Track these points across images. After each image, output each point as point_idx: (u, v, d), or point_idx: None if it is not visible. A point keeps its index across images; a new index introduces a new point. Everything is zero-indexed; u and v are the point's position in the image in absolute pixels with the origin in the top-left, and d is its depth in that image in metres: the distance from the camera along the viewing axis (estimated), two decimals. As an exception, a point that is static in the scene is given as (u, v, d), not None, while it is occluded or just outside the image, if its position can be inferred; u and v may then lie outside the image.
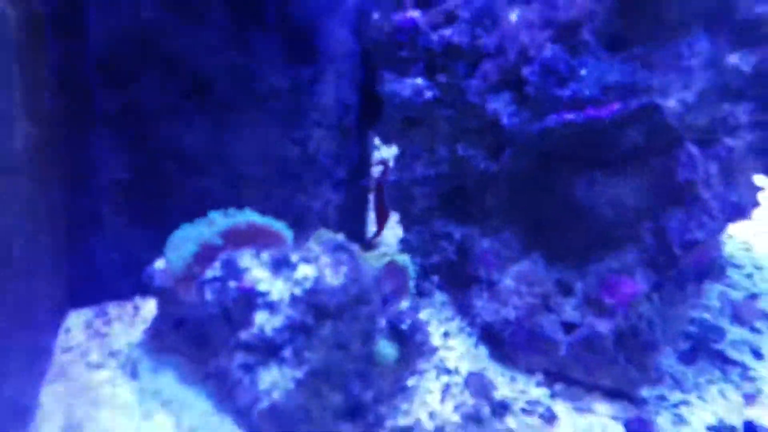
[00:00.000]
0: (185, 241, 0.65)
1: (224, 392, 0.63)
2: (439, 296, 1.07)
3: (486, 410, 0.75)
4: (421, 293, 1.06)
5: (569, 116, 0.82)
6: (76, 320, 0.92)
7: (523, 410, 0.82)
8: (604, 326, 0.90)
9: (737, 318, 1.26)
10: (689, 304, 1.12)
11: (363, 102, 1.12)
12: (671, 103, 0.83)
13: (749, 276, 1.44)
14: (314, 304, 0.61)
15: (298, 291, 0.61)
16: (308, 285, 0.61)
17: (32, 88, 0.78)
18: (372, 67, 1.08)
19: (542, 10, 0.90)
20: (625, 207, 0.90)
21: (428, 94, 1.00)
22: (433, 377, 0.87)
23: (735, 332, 1.21)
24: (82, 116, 0.92)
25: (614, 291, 0.91)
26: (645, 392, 1.00)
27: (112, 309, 0.95)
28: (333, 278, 0.62)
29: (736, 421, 0.95)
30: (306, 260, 0.64)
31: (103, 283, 0.96)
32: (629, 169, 0.87)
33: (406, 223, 1.12)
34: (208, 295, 0.63)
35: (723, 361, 1.11)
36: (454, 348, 0.95)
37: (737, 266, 1.48)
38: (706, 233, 0.87)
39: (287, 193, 1.08)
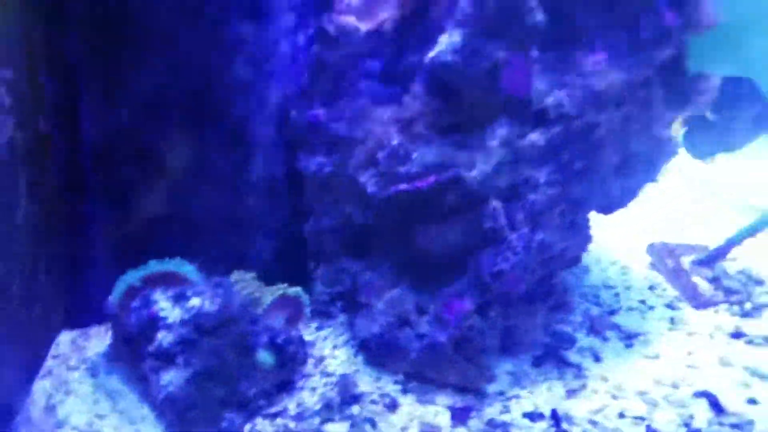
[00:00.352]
0: (121, 282, 0.99)
1: (145, 387, 0.95)
2: (341, 318, 1.38)
3: (337, 399, 1.06)
4: (328, 315, 1.38)
5: (404, 186, 1.15)
6: (65, 337, 1.27)
7: (372, 401, 1.12)
8: (443, 336, 1.20)
9: (592, 329, 1.55)
10: (542, 318, 1.43)
11: (287, 174, 1.46)
12: (474, 174, 1.15)
13: (617, 295, 1.72)
14: (196, 324, 0.93)
15: (186, 316, 0.93)
16: (194, 311, 0.93)
17: (35, 184, 1.13)
18: (292, 149, 1.43)
19: (393, 110, 1.24)
20: (454, 248, 1.21)
21: (327, 168, 1.34)
22: (317, 379, 1.19)
23: (585, 341, 1.50)
24: (77, 194, 1.28)
25: (450, 309, 1.21)
26: (490, 389, 1.29)
27: (93, 330, 1.29)
28: (210, 306, 0.94)
29: (548, 410, 1.23)
30: (196, 294, 0.97)
31: (87, 311, 1.31)
32: (453, 220, 1.19)
33: (321, 261, 1.44)
34: (133, 319, 0.97)
35: (565, 363, 1.40)
36: (339, 357, 1.26)
37: (610, 287, 1.77)
38: (511, 265, 1.17)
39: (232, 242, 1.42)
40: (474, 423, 1.13)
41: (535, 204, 1.23)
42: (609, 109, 1.23)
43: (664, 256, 1.82)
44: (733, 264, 1.90)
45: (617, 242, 2.02)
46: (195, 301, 0.96)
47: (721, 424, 1.23)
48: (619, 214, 1.61)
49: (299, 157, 1.40)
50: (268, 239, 1.47)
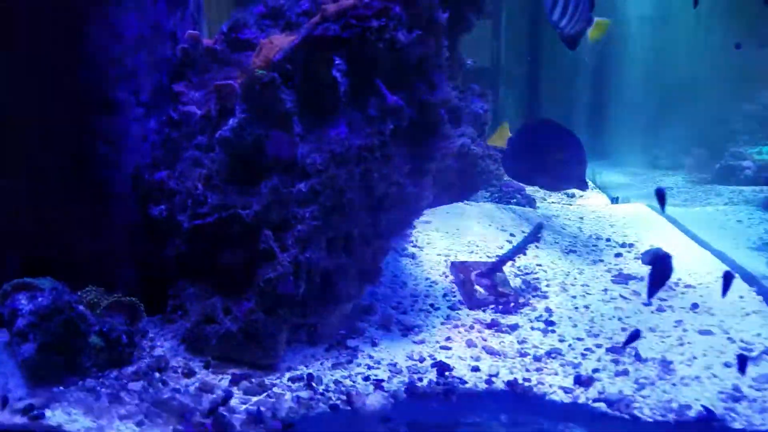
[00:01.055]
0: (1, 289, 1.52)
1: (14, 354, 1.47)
2: (180, 323, 1.87)
3: (146, 370, 1.55)
4: (171, 321, 1.87)
5: (198, 222, 1.68)
6: None
7: (174, 370, 1.61)
8: (234, 327, 1.69)
9: (382, 325, 2.03)
10: (338, 319, 1.92)
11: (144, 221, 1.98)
12: (247, 212, 1.67)
13: (416, 301, 2.23)
14: (37, 313, 1.43)
15: (33, 308, 1.43)
16: (36, 304, 1.44)
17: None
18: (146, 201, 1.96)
19: (203, 170, 1.78)
20: (243, 265, 1.72)
21: (164, 213, 1.87)
22: (147, 360, 1.67)
23: (372, 332, 1.97)
24: None
25: (240, 309, 1.71)
26: (284, 366, 1.76)
27: None
28: (44, 301, 1.45)
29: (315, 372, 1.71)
30: (41, 295, 1.47)
31: None
32: (240, 245, 1.70)
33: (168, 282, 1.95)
34: (6, 313, 1.47)
35: (346, 348, 1.88)
36: (166, 346, 1.75)
37: (414, 296, 2.26)
38: (279, 275, 1.68)
39: (101, 272, 1.91)
40: (245, 384, 1.61)
41: (302, 232, 1.75)
42: (349, 165, 1.76)
43: (458, 270, 2.32)
44: (528, 277, 2.41)
45: (435, 263, 2.52)
46: (38, 299, 1.46)
47: (438, 383, 1.71)
48: (442, 241, 2.13)
49: (149, 206, 1.93)
50: (132, 269, 1.98)
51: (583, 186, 2.52)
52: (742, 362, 1.50)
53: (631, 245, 2.79)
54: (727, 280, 1.42)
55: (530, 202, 3.67)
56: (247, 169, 1.79)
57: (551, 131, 2.47)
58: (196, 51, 2.07)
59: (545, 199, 3.98)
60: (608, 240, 2.88)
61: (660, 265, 1.37)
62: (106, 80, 1.88)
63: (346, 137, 1.78)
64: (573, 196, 4.23)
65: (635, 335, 1.55)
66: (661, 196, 1.46)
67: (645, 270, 2.48)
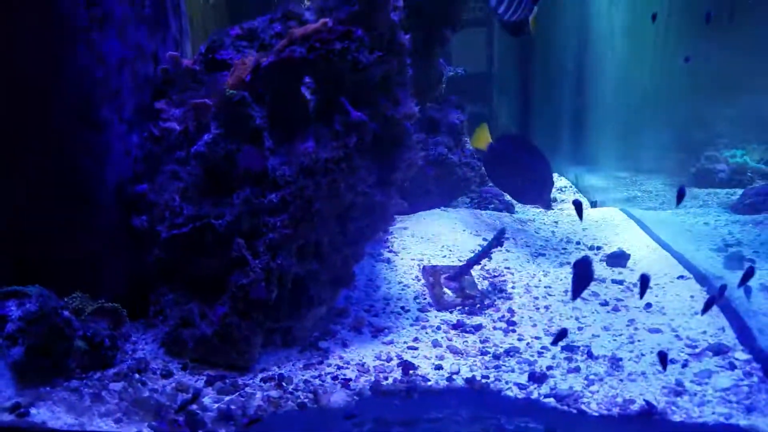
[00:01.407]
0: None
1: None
2: (162, 327, 1.98)
3: (127, 371, 1.66)
4: (153, 325, 1.99)
5: (175, 231, 1.79)
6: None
7: (153, 371, 1.72)
8: (209, 330, 1.81)
9: (353, 327, 2.14)
10: (312, 322, 2.03)
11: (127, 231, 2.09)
12: (220, 221, 1.79)
13: (388, 304, 2.33)
14: (25, 318, 1.54)
15: (21, 314, 1.55)
16: (24, 310, 1.55)
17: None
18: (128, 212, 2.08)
19: (179, 182, 1.90)
20: (218, 272, 1.83)
21: (145, 224, 1.99)
22: (129, 362, 1.78)
23: (344, 334, 2.09)
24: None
25: (215, 313, 1.82)
26: (259, 368, 1.87)
27: None
28: (32, 306, 1.56)
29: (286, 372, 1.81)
30: (29, 301, 1.58)
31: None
32: (214, 253, 1.82)
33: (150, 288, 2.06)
34: None
35: (317, 349, 1.99)
36: (147, 349, 1.86)
37: (387, 299, 2.37)
38: (251, 280, 1.79)
39: (87, 279, 2.02)
40: (219, 384, 1.72)
41: (273, 240, 1.87)
42: (317, 177, 1.88)
43: (428, 274, 2.44)
44: (495, 279, 2.53)
45: (409, 267, 2.64)
46: (27, 305, 1.58)
47: (402, 381, 1.82)
48: (417, 246, 2.24)
49: (132, 217, 2.05)
50: (117, 276, 2.09)
51: (546, 206, 2.62)
52: (663, 359, 1.63)
53: (599, 248, 2.90)
54: (644, 281, 1.54)
55: (508, 207, 3.79)
56: (220, 182, 1.91)
57: (522, 149, 2.57)
58: (177, 71, 2.20)
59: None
60: (578, 243, 3.00)
61: (580, 269, 1.48)
62: (91, 100, 2.00)
63: (313, 150, 1.90)
64: (555, 200, 4.35)
65: (562, 333, 1.68)
66: (680, 195, 1.60)
67: (608, 272, 2.60)
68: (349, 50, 1.86)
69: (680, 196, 1.56)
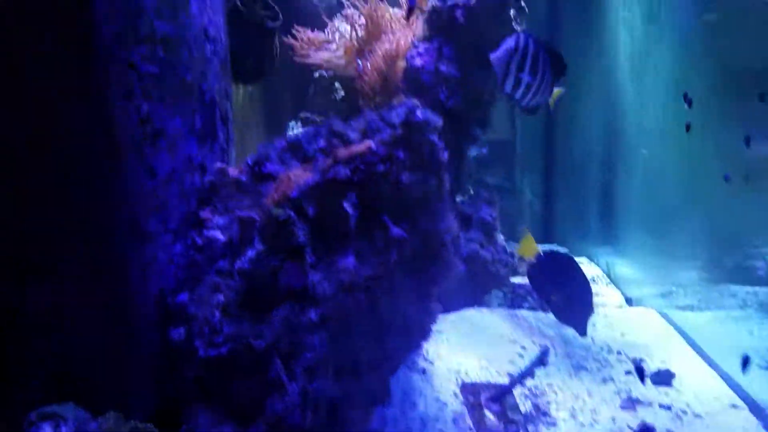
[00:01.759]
0: (26, 418, 1.61)
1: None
2: None
3: None
4: None
5: (213, 352, 1.78)
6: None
7: None
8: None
9: None
10: None
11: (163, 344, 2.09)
12: (259, 341, 1.77)
13: (425, 425, 2.22)
14: None
15: None
16: None
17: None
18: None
19: (219, 296, 1.90)
20: (256, 394, 1.79)
21: (182, 337, 1.97)
22: None
23: None
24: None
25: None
26: None
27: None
28: (67, 430, 1.54)
29: None
30: (63, 426, 1.56)
31: None
32: (251, 374, 1.79)
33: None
34: None
35: None
36: None
37: (424, 420, 2.27)
38: (288, 407, 1.74)
39: (120, 399, 2.01)
40: None
41: (310, 360, 1.84)
42: (356, 293, 1.87)
43: (468, 393, 2.35)
44: (538, 399, 2.42)
45: (446, 380, 2.55)
46: (62, 428, 1.55)
47: None
48: (453, 355, 2.18)
49: (170, 329, 2.04)
50: (150, 391, 2.06)
51: (583, 333, 2.50)
52: (640, 372, 1.57)
53: (641, 359, 2.78)
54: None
55: (542, 305, 3.71)
56: (259, 297, 1.92)
57: (568, 271, 2.49)
58: (223, 181, 2.28)
59: (558, 300, 4.00)
60: (619, 353, 2.88)
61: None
62: (139, 213, 2.07)
63: (354, 267, 1.91)
64: (590, 293, 4.24)
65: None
66: (745, 362, 1.64)
67: (653, 393, 2.47)
68: (391, 172, 1.91)
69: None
